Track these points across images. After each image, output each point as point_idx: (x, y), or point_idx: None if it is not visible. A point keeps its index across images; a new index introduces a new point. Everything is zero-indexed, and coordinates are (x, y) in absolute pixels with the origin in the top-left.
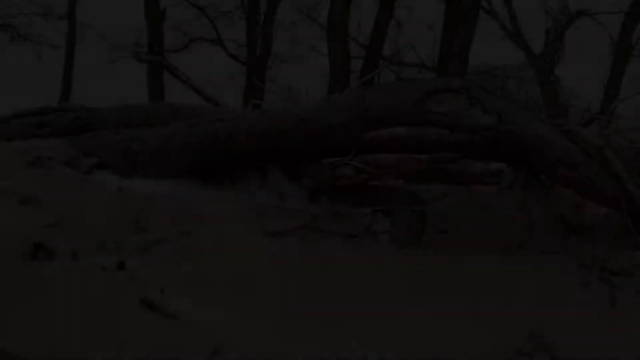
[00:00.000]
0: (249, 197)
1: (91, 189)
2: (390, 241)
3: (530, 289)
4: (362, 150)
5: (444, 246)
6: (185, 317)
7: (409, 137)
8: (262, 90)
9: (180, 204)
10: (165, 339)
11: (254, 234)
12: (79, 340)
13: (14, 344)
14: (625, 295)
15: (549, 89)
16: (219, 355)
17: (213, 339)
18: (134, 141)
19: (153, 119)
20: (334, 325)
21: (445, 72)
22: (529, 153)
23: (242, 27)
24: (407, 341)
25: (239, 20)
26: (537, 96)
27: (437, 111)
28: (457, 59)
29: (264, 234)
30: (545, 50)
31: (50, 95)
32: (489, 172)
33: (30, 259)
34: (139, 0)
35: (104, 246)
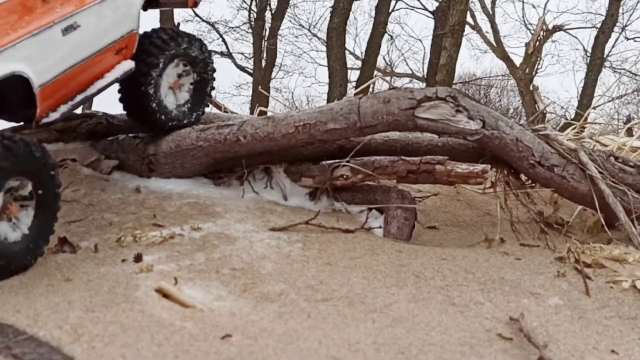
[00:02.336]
0: (255, 196)
1: (111, 188)
2: (384, 236)
3: (511, 279)
4: (358, 152)
5: (432, 240)
6: (197, 305)
7: (401, 141)
8: (267, 98)
9: (193, 202)
10: (179, 325)
11: (260, 229)
12: (101, 326)
13: (45, 332)
14: (598, 285)
15: (529, 97)
16: (228, 340)
17: (223, 325)
18: (150, 145)
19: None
20: (332, 313)
21: (434, 82)
22: (510, 155)
23: (249, 41)
24: (397, 327)
25: (246, 35)
26: (517, 104)
27: (427, 118)
28: (444, 69)
29: (269, 230)
30: (525, 61)
31: None
32: (474, 172)
33: (56, 252)
34: (155, 15)
35: (123, 240)
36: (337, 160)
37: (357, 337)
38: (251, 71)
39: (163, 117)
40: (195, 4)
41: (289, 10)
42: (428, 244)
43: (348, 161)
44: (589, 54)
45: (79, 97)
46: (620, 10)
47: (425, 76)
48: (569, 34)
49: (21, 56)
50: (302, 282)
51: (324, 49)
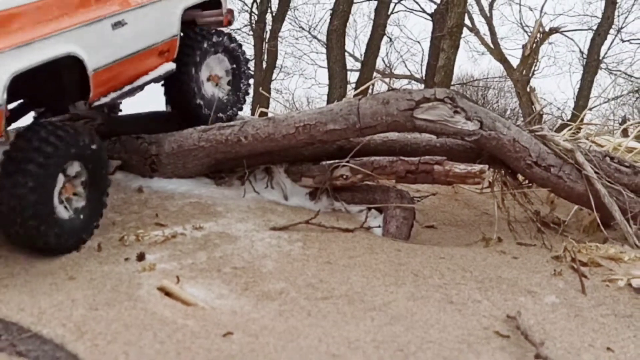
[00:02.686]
0: (256, 196)
1: (114, 188)
2: (383, 235)
3: (508, 277)
4: (357, 153)
5: (431, 239)
6: (199, 303)
7: (400, 142)
8: (268, 100)
9: (194, 201)
10: (181, 322)
11: (261, 228)
12: (104, 324)
13: (49, 330)
14: (594, 284)
15: (526, 98)
16: (230, 338)
17: (224, 323)
18: (152, 145)
19: (170, 125)
20: (332, 311)
21: (432, 83)
22: (508, 156)
23: (250, 43)
24: (396, 325)
25: (247, 37)
26: (514, 105)
27: (425, 118)
28: (442, 71)
29: (270, 229)
30: (522, 63)
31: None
32: (471, 173)
33: None
34: None
35: (126, 239)
36: (336, 161)
37: (356, 334)
38: (252, 73)
39: (201, 101)
40: (230, 23)
41: (289, 12)
42: (426, 243)
43: (348, 161)
44: (585, 56)
45: (126, 88)
46: (616, 13)
47: (424, 78)
48: (566, 36)
49: (77, 41)
50: (303, 280)
51: (324, 50)
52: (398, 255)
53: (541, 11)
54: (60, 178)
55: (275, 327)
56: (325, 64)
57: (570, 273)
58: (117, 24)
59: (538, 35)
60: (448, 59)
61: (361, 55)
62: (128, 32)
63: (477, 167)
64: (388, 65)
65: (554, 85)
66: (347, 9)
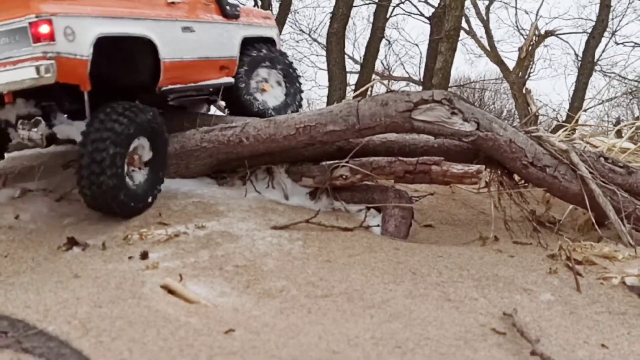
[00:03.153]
0: (257, 195)
1: None
2: (382, 234)
3: (505, 275)
4: (357, 153)
5: (429, 238)
6: (201, 301)
7: (399, 142)
8: None
9: (197, 201)
10: (183, 320)
11: (262, 227)
12: (109, 321)
13: (54, 327)
14: (589, 282)
15: (521, 100)
16: (232, 335)
17: (226, 320)
18: None
19: (173, 126)
20: (332, 308)
21: (430, 85)
22: (504, 156)
23: None
24: (394, 322)
25: None
26: (510, 106)
27: (423, 120)
28: (440, 73)
29: (271, 228)
30: (518, 65)
31: None
32: (468, 173)
33: (65, 251)
34: None
35: (130, 238)
36: (336, 161)
37: (356, 331)
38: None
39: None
40: None
41: (290, 16)
42: (424, 242)
43: (347, 162)
44: (579, 58)
45: (189, 85)
46: (610, 16)
47: (422, 80)
48: (561, 39)
49: (152, 29)
50: (303, 278)
51: (324, 53)
52: (397, 253)
53: (537, 14)
54: (130, 149)
55: (276, 324)
56: (325, 66)
57: (565, 271)
58: (186, 29)
59: (534, 38)
60: (445, 61)
61: (360, 57)
62: (195, 39)
63: (474, 168)
64: (387, 67)
65: (550, 87)
66: (346, 12)
